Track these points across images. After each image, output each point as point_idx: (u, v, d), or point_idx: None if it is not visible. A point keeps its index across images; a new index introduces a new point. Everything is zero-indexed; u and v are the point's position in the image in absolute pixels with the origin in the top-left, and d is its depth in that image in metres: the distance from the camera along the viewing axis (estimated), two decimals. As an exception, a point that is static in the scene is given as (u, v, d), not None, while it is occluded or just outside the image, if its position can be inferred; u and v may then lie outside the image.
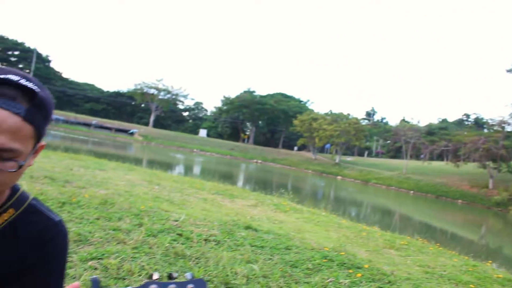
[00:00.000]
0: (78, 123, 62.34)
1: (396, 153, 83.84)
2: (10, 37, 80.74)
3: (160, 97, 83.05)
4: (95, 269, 3.38)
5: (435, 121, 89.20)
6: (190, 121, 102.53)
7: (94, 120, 65.64)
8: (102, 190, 6.94)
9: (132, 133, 63.82)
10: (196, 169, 30.49)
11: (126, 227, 4.62)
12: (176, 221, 5.29)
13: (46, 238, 1.39)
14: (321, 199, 20.98)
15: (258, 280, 3.62)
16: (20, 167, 1.20)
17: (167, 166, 24.60)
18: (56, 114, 60.46)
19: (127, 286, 1.27)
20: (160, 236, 4.48)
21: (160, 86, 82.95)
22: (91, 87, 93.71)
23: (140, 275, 3.35)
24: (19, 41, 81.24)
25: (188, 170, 28.12)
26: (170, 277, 1.28)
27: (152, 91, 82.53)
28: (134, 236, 4.33)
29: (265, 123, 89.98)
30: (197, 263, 3.85)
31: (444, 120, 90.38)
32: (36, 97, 1.18)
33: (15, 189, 1.40)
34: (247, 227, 5.72)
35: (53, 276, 1.37)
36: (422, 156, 65.10)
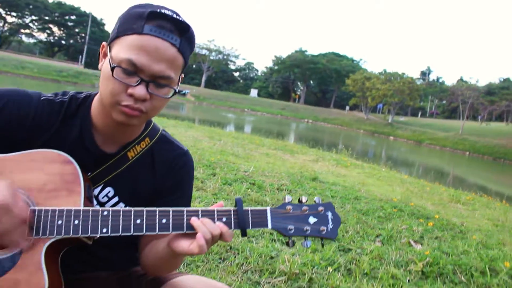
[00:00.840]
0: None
1: (452, 113, 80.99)
2: (67, 2, 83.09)
3: (211, 57, 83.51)
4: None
5: (496, 80, 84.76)
6: (241, 81, 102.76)
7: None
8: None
9: (184, 94, 64.76)
10: (249, 128, 30.80)
11: (202, 176, 4.85)
12: (246, 172, 5.49)
13: (178, 165, 1.53)
14: (373, 158, 20.70)
15: (336, 224, 3.76)
16: (174, 93, 1.34)
17: (221, 124, 24.97)
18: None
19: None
20: (234, 184, 4.69)
21: (212, 46, 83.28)
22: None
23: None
24: (75, 6, 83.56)
25: (241, 128, 28.47)
26: (299, 200, 1.40)
27: (203, 51, 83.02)
28: (211, 184, 4.56)
29: (316, 82, 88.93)
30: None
31: (507, 80, 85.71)
32: (188, 31, 1.29)
33: (148, 121, 1.55)
34: (314, 179, 5.85)
35: (184, 199, 1.52)
36: (480, 117, 62.55)
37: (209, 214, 1.29)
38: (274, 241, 3.11)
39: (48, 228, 1.21)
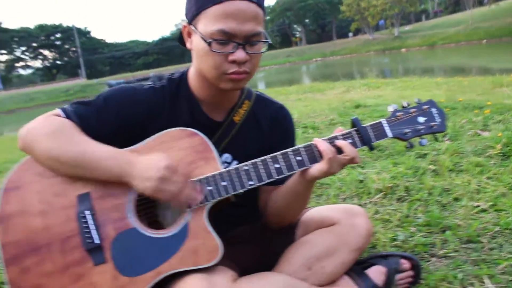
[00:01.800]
0: (138, 81, 63.16)
1: (456, 7, 78.32)
2: (48, 23, 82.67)
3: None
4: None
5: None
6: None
7: (151, 72, 66.46)
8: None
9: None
10: (263, 84, 30.65)
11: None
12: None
13: (279, 119, 1.64)
14: (393, 74, 20.36)
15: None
16: (269, 46, 1.42)
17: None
18: (116, 79, 62.13)
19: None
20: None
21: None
22: (136, 42, 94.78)
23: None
24: (56, 23, 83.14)
25: (255, 87, 28.30)
26: (403, 106, 1.48)
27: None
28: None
29: (312, 19, 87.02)
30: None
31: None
32: None
33: None
34: (357, 106, 5.91)
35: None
36: (485, 0, 60.37)
37: (334, 140, 1.41)
38: (353, 167, 3.23)
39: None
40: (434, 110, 1.46)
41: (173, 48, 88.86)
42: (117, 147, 1.37)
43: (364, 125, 1.41)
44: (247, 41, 1.32)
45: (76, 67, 78.87)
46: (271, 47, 1.64)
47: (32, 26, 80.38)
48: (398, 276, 1.55)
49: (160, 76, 1.59)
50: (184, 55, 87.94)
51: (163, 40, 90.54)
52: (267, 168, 1.38)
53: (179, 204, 1.32)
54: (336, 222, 1.58)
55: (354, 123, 1.41)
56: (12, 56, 79.41)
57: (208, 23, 1.31)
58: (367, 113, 5.26)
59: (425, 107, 1.46)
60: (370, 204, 2.52)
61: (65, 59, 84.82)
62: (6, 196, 1.35)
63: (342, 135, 1.40)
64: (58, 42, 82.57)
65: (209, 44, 1.31)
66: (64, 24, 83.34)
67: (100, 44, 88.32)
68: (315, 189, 2.86)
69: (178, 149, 1.39)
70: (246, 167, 1.38)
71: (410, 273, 1.57)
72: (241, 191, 1.39)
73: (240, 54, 1.32)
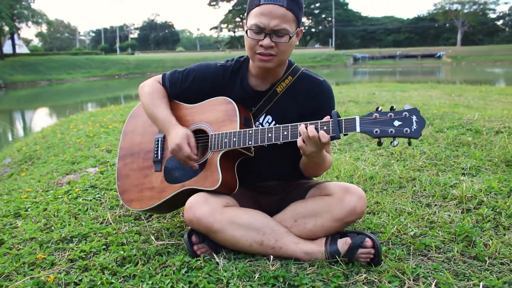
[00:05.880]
0: (383, 57, 62.68)
1: None
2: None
3: (465, 11, 76.15)
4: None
5: None
6: (506, 29, 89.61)
7: (398, 51, 65.24)
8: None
9: (439, 57, 60.88)
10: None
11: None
12: (469, 120, 5.35)
13: (314, 93, 2.10)
14: None
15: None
16: (290, 39, 1.91)
17: (479, 82, 22.82)
18: (361, 52, 63.22)
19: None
20: (447, 131, 4.73)
21: (464, -1, 75.85)
22: (390, 18, 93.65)
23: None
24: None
25: (504, 81, 25.32)
26: (391, 108, 1.72)
27: (455, 7, 76.48)
28: (422, 132, 4.71)
29: None
30: (482, 149, 3.97)
31: None
32: None
33: (290, 64, 2.13)
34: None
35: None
36: None
37: (314, 124, 1.79)
38: (464, 174, 3.22)
39: (219, 144, 1.98)
40: (414, 118, 1.66)
41: (428, 28, 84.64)
42: (190, 102, 2.16)
43: (341, 118, 1.75)
44: (274, 32, 1.88)
45: (328, 36, 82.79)
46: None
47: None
48: (360, 250, 1.85)
49: (234, 58, 2.22)
50: (438, 38, 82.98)
51: (418, 19, 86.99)
52: (263, 135, 1.89)
53: (180, 160, 2.03)
54: (331, 194, 1.96)
55: (332, 115, 1.75)
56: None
57: (250, 19, 1.94)
58: None
59: (405, 113, 1.67)
60: (436, 207, 2.62)
61: (320, 27, 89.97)
62: (129, 120, 2.35)
63: (322, 122, 1.78)
64: (316, 11, 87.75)
65: (246, 32, 1.93)
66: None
67: (355, 17, 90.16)
68: (402, 181, 3.06)
69: (217, 111, 2.07)
70: (250, 132, 1.91)
71: (371, 251, 1.84)
72: (250, 148, 1.98)
73: (265, 41, 1.90)
